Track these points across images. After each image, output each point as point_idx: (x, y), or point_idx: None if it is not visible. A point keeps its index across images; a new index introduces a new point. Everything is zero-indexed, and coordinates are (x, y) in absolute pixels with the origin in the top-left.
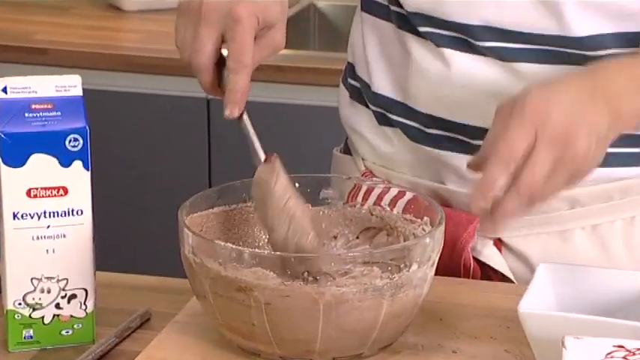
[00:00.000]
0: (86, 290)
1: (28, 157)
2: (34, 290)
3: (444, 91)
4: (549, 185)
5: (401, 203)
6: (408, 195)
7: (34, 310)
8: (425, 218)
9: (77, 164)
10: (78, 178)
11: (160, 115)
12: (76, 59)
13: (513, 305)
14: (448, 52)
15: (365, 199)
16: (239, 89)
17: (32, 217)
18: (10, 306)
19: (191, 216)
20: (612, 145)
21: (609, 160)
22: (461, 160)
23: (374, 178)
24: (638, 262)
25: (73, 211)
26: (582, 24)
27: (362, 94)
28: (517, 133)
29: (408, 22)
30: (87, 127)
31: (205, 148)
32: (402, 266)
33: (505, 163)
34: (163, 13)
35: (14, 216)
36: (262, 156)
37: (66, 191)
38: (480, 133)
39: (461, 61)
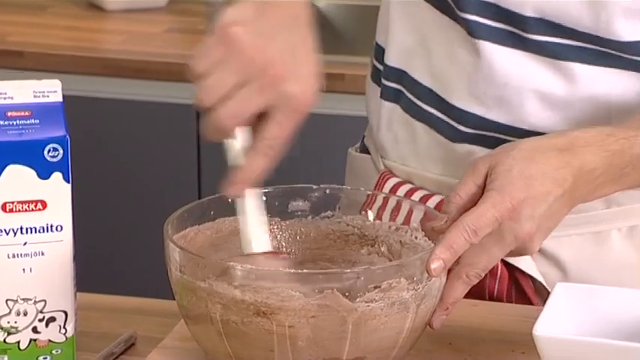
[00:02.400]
0: (66, 313)
1: (4, 169)
2: (9, 313)
3: (481, 87)
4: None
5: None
6: (418, 210)
7: (8, 334)
8: (413, 224)
9: (57, 176)
10: (57, 192)
11: (146, 123)
12: (54, 63)
13: (528, 328)
14: (489, 46)
15: (379, 214)
16: (255, 173)
17: (7, 234)
18: None
19: (178, 234)
20: None
21: None
22: None
23: (361, 189)
24: None
25: (52, 226)
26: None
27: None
28: (487, 219)
29: (448, 5)
30: (67, 136)
31: (195, 158)
32: (424, 276)
33: (467, 239)
34: (148, 12)
35: None
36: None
37: (44, 205)
38: (520, 133)
39: (504, 57)
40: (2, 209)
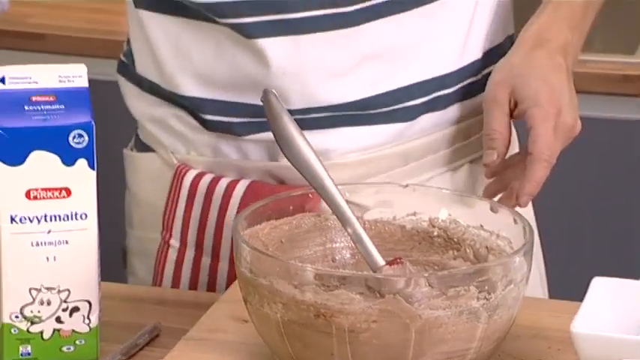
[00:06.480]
0: (90, 302)
1: (28, 155)
2: (33, 302)
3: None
4: None
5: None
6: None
7: (32, 323)
8: (503, 234)
9: (81, 163)
10: (82, 179)
11: None
12: (77, 46)
13: (564, 325)
14: (262, 42)
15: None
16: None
17: (32, 221)
18: (5, 319)
19: (252, 228)
20: None
21: None
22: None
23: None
24: None
25: (76, 214)
26: None
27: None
28: (552, 138)
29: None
30: (92, 122)
31: None
32: (497, 285)
33: (548, 167)
34: None
35: (12, 219)
36: (381, 262)
37: (69, 193)
38: (318, 110)
39: (278, 50)
40: (26, 196)
